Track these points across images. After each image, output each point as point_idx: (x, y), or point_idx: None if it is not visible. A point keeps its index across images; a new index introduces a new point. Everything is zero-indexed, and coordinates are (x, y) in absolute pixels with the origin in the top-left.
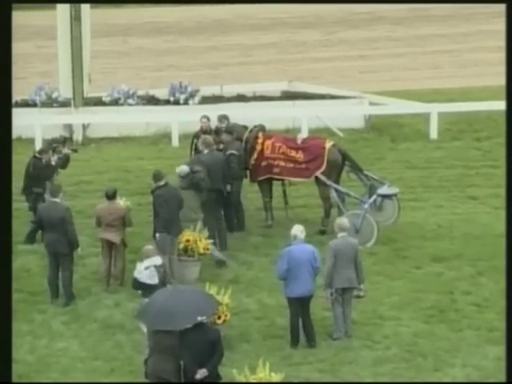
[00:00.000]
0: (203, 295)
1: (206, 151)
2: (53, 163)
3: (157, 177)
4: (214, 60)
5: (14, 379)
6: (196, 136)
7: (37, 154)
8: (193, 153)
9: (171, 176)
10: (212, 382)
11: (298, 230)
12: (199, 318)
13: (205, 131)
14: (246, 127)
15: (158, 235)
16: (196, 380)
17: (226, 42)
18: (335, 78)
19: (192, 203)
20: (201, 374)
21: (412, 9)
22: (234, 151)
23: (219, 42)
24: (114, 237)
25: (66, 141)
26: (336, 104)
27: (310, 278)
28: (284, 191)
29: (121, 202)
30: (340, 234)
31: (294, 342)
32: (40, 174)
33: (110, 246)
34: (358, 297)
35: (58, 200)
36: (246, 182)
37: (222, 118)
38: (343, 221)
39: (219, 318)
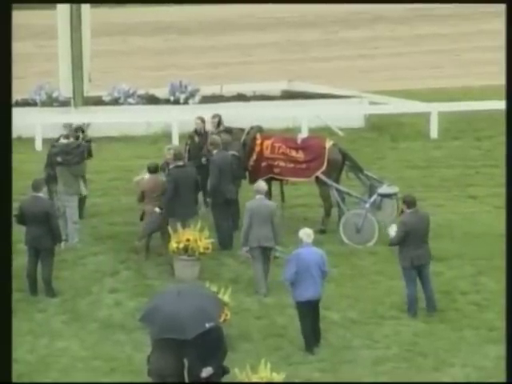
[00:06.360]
0: (208, 298)
1: (214, 151)
2: None
3: (176, 156)
4: (214, 59)
5: (14, 379)
6: (190, 137)
7: (55, 143)
8: (186, 154)
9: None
10: (217, 382)
11: (304, 234)
12: (207, 325)
13: (199, 133)
14: (242, 130)
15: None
16: (201, 378)
17: (226, 42)
18: (335, 78)
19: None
20: (206, 372)
21: (412, 8)
22: (235, 152)
23: (219, 42)
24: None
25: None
26: (336, 103)
27: (318, 281)
28: (281, 188)
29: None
30: (257, 196)
31: (310, 346)
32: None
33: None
34: (275, 257)
35: (40, 194)
36: (245, 182)
37: (216, 117)
38: (261, 184)
39: (219, 317)
